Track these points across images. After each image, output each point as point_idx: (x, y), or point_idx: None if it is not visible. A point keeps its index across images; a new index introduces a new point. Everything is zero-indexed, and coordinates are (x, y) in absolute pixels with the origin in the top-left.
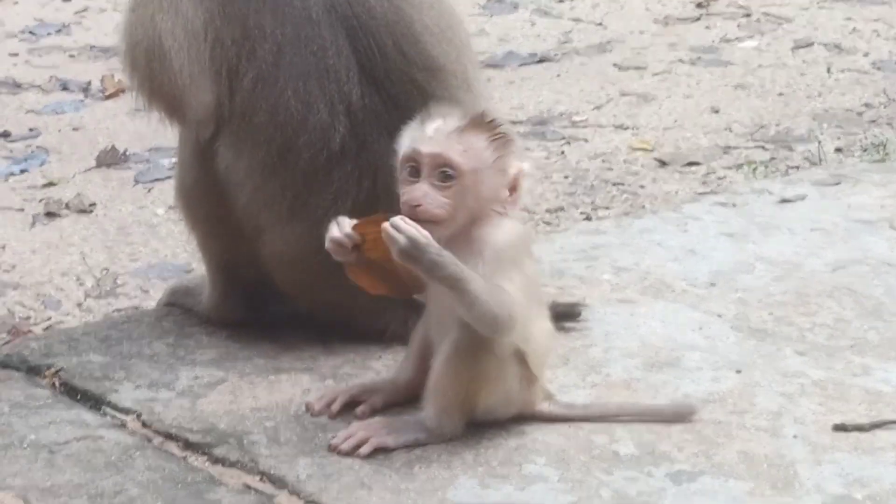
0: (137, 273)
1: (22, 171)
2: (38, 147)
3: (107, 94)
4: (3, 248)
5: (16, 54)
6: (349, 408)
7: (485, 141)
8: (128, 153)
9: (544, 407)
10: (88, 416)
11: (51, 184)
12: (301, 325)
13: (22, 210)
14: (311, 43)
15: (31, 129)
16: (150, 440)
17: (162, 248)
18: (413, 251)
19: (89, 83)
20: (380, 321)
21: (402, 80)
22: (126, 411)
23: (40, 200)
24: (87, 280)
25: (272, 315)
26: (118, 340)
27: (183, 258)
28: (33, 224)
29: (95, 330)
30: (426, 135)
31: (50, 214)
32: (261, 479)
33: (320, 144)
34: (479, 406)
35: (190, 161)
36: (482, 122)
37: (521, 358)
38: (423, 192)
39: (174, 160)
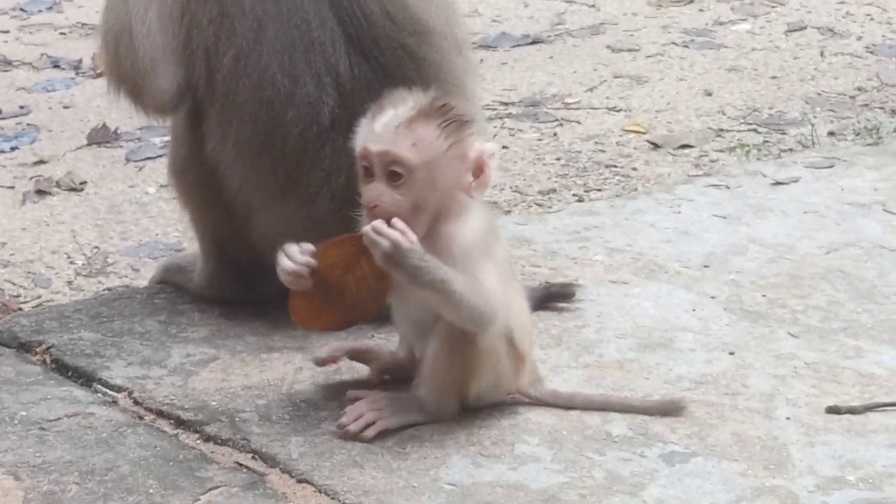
0: (128, 251)
1: (12, 149)
2: (28, 125)
3: (98, 71)
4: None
5: (6, 31)
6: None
7: (436, 130)
8: (119, 131)
9: (531, 391)
10: (80, 392)
11: (41, 161)
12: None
13: (12, 188)
14: (293, 16)
15: (21, 107)
16: (141, 417)
17: (153, 227)
18: (396, 255)
19: (80, 61)
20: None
21: (391, 46)
22: (117, 388)
23: (31, 178)
24: (77, 258)
25: (264, 293)
26: (110, 317)
27: (174, 237)
28: (24, 202)
29: (87, 307)
30: (374, 131)
31: (40, 192)
32: (252, 458)
33: (309, 119)
34: (473, 390)
35: (181, 140)
36: (432, 110)
37: (508, 339)
38: (377, 192)
39: (165, 139)
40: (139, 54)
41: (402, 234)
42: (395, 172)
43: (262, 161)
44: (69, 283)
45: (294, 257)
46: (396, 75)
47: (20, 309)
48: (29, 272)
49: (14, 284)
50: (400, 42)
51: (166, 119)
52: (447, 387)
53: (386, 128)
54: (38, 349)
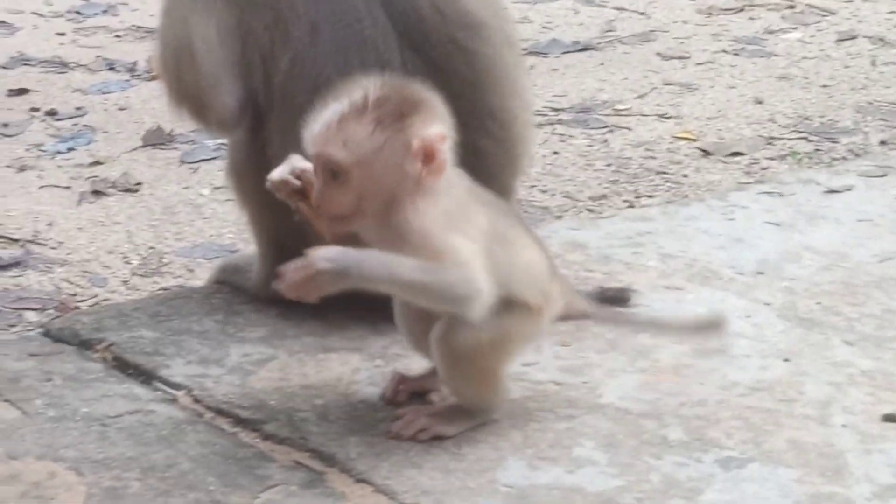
0: (182, 252)
1: (69, 150)
2: (84, 126)
3: (152, 74)
4: (51, 225)
5: (63, 34)
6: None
7: (369, 125)
8: (173, 133)
9: (571, 309)
10: (140, 390)
11: (97, 163)
12: (349, 304)
13: (69, 188)
14: (345, 16)
15: (77, 109)
16: (200, 416)
17: (207, 229)
18: (333, 277)
19: (135, 63)
20: None
21: (442, 41)
22: (177, 386)
23: (87, 179)
24: (132, 258)
25: None
26: (168, 316)
27: (228, 238)
28: (80, 202)
29: (145, 306)
30: (312, 132)
31: (96, 193)
32: (311, 456)
33: None
34: (502, 370)
35: (239, 143)
36: (364, 104)
37: (509, 301)
38: (319, 193)
39: (219, 141)
40: (201, 71)
41: (324, 255)
42: (332, 172)
43: None
44: (125, 282)
45: (286, 167)
46: (448, 70)
47: (77, 308)
48: (85, 271)
49: (71, 283)
50: (451, 36)
51: (230, 134)
52: (474, 385)
53: (320, 127)
54: (98, 347)
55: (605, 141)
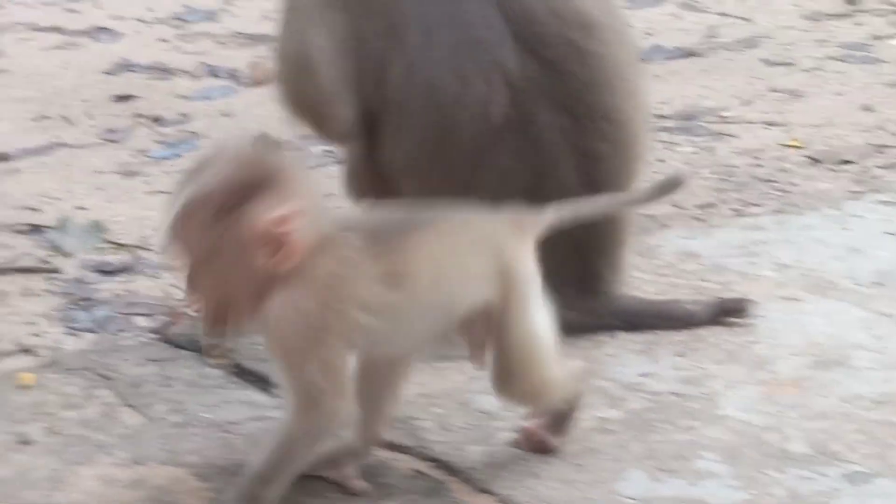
0: None
1: (174, 156)
2: (189, 132)
3: (255, 81)
4: (157, 230)
5: (166, 40)
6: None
7: (206, 218)
8: (279, 139)
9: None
10: (259, 397)
11: None
12: None
13: None
14: (458, 19)
15: (182, 115)
16: None
17: None
18: None
19: (237, 70)
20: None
21: (558, 42)
22: None
23: None
24: None
25: None
26: None
27: None
28: None
29: None
30: (166, 225)
31: None
32: (432, 465)
33: (480, 121)
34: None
35: (354, 150)
36: (195, 201)
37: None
38: (183, 291)
39: (325, 148)
40: (320, 85)
41: None
42: (185, 269)
43: (435, 168)
44: None
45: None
46: (564, 71)
47: (185, 314)
48: None
49: (178, 289)
50: (566, 37)
51: (348, 143)
52: (529, 386)
53: (170, 220)
54: (216, 353)
55: (711, 148)
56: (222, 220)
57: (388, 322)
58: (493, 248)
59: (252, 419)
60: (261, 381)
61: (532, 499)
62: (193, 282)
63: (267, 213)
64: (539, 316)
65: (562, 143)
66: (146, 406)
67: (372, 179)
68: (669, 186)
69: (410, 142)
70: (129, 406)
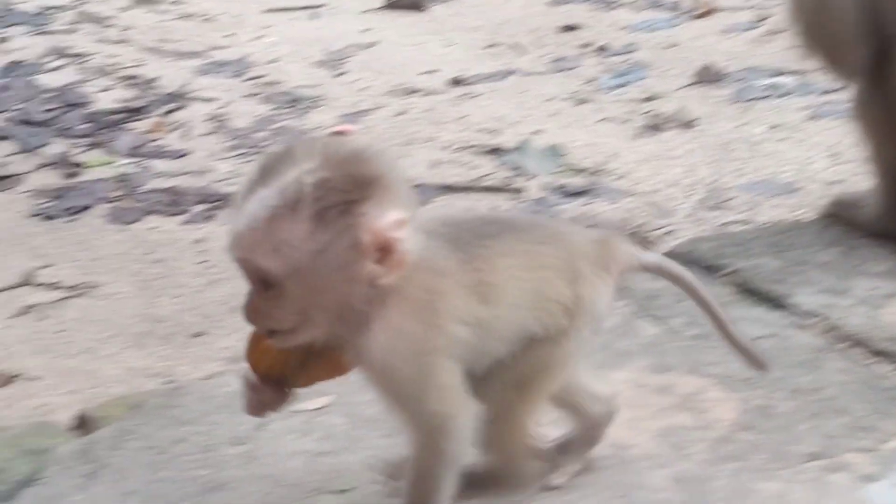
0: (743, 188)
1: (622, 86)
2: (634, 62)
3: (697, 13)
4: (613, 156)
5: None
6: None
7: (307, 223)
8: (723, 71)
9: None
10: (771, 316)
11: (651, 98)
12: None
13: (626, 122)
14: None
15: (626, 45)
16: (834, 344)
17: (765, 167)
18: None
19: (678, 2)
20: None
21: None
22: (808, 314)
23: (642, 114)
24: (694, 192)
25: None
26: (787, 246)
27: (785, 177)
28: (638, 135)
29: (762, 235)
30: (235, 230)
31: (653, 127)
32: None
33: None
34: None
35: (865, 86)
36: (300, 196)
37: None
38: (250, 306)
39: (768, 81)
40: (840, 24)
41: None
42: (264, 282)
43: None
44: (689, 215)
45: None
46: None
47: (647, 237)
48: (649, 203)
49: (638, 214)
50: None
51: (859, 81)
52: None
53: (244, 227)
54: (722, 272)
55: None
56: (334, 220)
57: (478, 336)
58: (568, 273)
59: (767, 336)
60: (770, 301)
61: None
62: (276, 295)
63: (383, 217)
64: (565, 370)
65: None
66: (665, 318)
67: (879, 105)
68: (755, 363)
69: None
70: (651, 316)
